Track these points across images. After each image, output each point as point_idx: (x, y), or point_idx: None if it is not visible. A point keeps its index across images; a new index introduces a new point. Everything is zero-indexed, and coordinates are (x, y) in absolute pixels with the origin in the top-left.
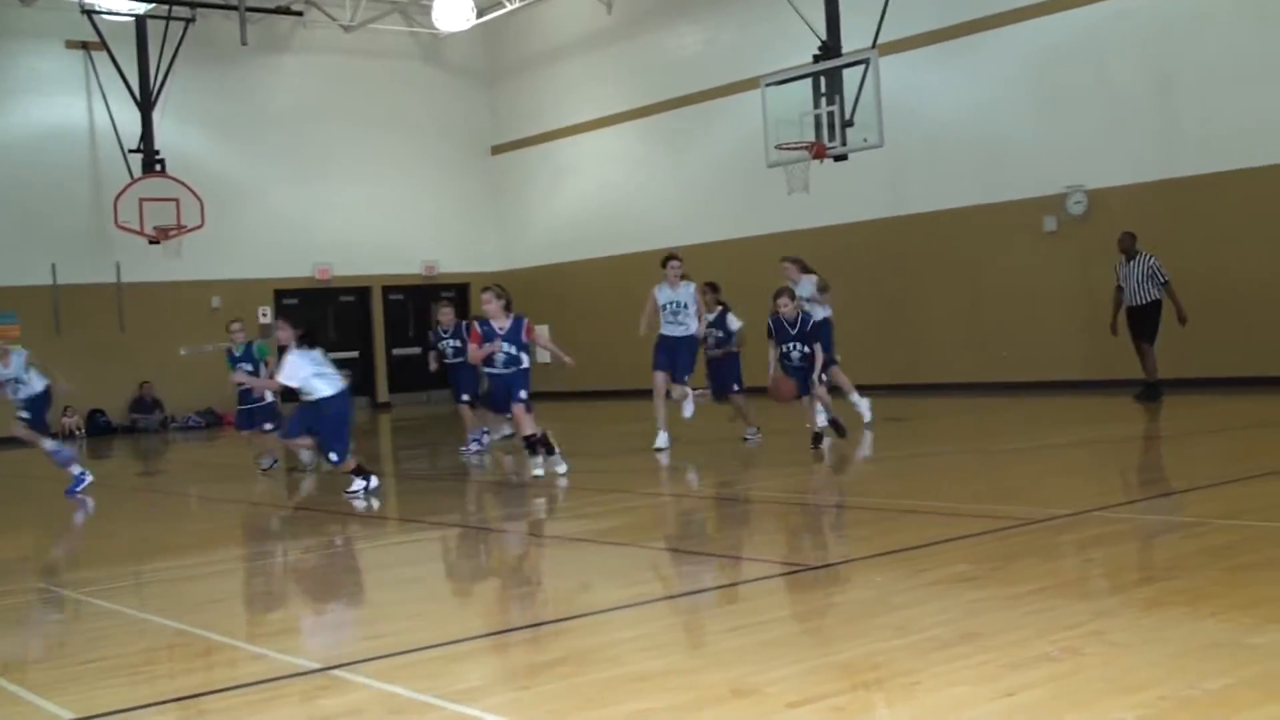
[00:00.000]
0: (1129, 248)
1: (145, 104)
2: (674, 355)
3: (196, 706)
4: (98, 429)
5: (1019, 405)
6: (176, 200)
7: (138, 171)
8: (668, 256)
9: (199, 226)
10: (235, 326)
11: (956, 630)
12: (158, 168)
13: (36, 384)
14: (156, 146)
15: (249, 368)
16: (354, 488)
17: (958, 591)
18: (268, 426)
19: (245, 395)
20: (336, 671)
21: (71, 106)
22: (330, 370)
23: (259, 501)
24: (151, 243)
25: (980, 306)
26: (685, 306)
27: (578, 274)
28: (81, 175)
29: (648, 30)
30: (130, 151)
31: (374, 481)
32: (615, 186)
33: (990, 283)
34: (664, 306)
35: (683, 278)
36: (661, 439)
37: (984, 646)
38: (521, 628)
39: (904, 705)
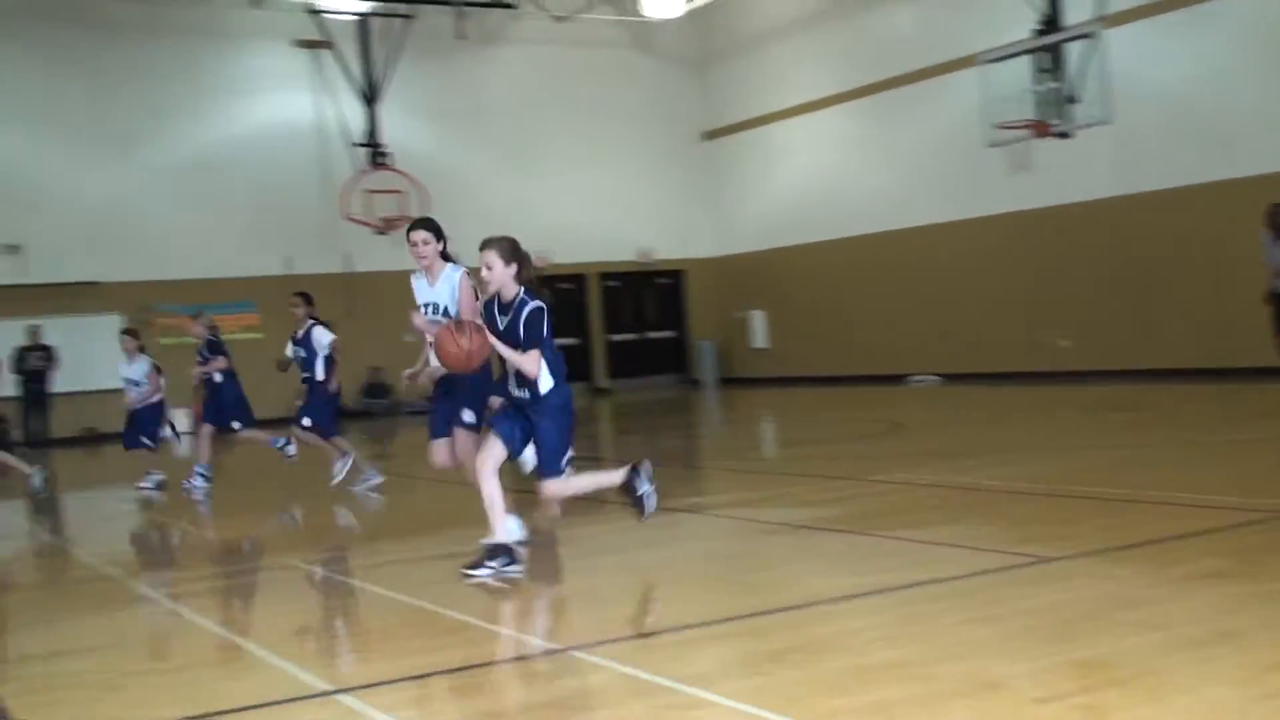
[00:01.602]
0: (1277, 222)
1: (370, 99)
2: None
3: (438, 684)
4: None
5: (1266, 393)
6: (401, 191)
7: (363, 164)
8: None
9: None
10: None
11: (1210, 628)
12: (383, 160)
13: (153, 393)
14: (381, 139)
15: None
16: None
17: (1210, 587)
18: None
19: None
20: (575, 653)
21: (300, 103)
22: None
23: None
24: (378, 233)
25: (1219, 288)
26: None
27: (793, 259)
28: (310, 170)
29: (860, 11)
30: (355, 145)
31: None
32: (829, 170)
33: (1229, 263)
34: None
35: None
36: None
37: (1241, 646)
38: (755, 614)
39: (1155, 706)
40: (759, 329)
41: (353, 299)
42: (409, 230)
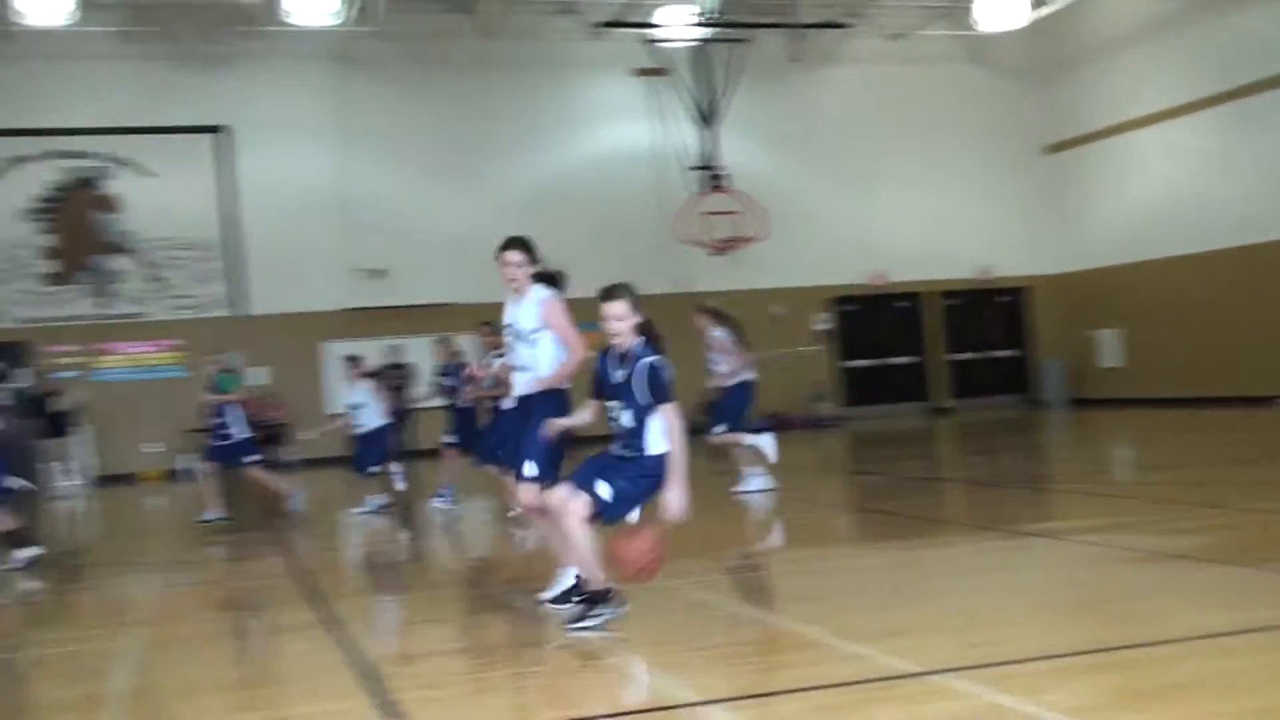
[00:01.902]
0: None
1: (706, 122)
2: None
3: (796, 702)
4: None
5: None
6: (737, 213)
7: (699, 188)
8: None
9: (760, 238)
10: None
11: None
12: (720, 183)
13: (371, 419)
14: (719, 163)
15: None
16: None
17: None
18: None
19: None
20: (935, 677)
21: (637, 130)
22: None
23: (832, 503)
24: (715, 254)
25: None
26: None
27: (1149, 273)
28: (647, 194)
29: (1215, 12)
30: (691, 169)
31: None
32: (1188, 179)
33: None
34: None
35: None
36: None
37: None
38: (1124, 647)
39: None
40: (1110, 346)
41: (689, 320)
42: (501, 249)
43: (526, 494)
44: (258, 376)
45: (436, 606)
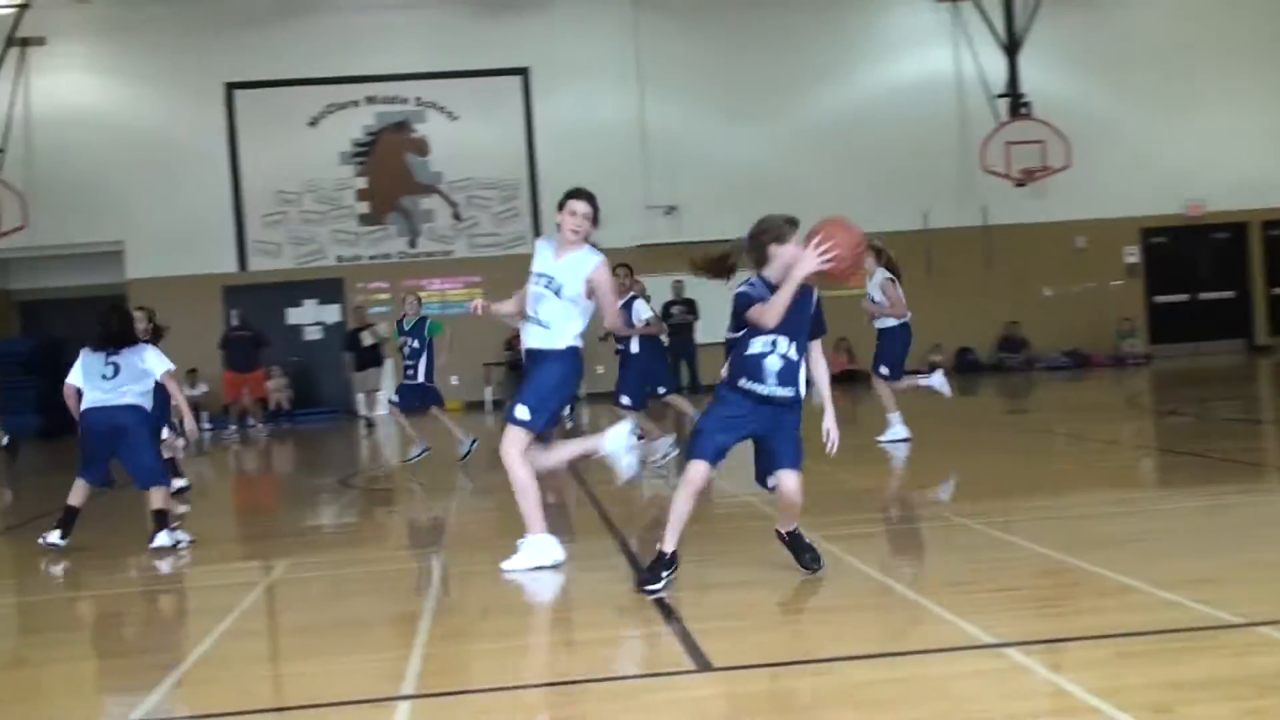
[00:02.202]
0: None
1: (1011, 49)
2: None
3: (1108, 647)
4: (966, 366)
5: None
6: (1042, 142)
7: (1003, 116)
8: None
9: (1065, 167)
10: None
11: None
12: (1023, 111)
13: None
14: (1022, 90)
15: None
16: None
17: None
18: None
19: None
20: (1263, 629)
21: (939, 58)
22: None
23: (1139, 445)
24: (1017, 185)
25: None
26: None
27: None
28: (948, 124)
29: None
30: (995, 97)
31: None
32: None
33: None
34: None
35: None
36: None
37: None
38: None
39: None
40: None
41: (989, 252)
42: (571, 197)
43: (515, 437)
44: None
45: (718, 540)
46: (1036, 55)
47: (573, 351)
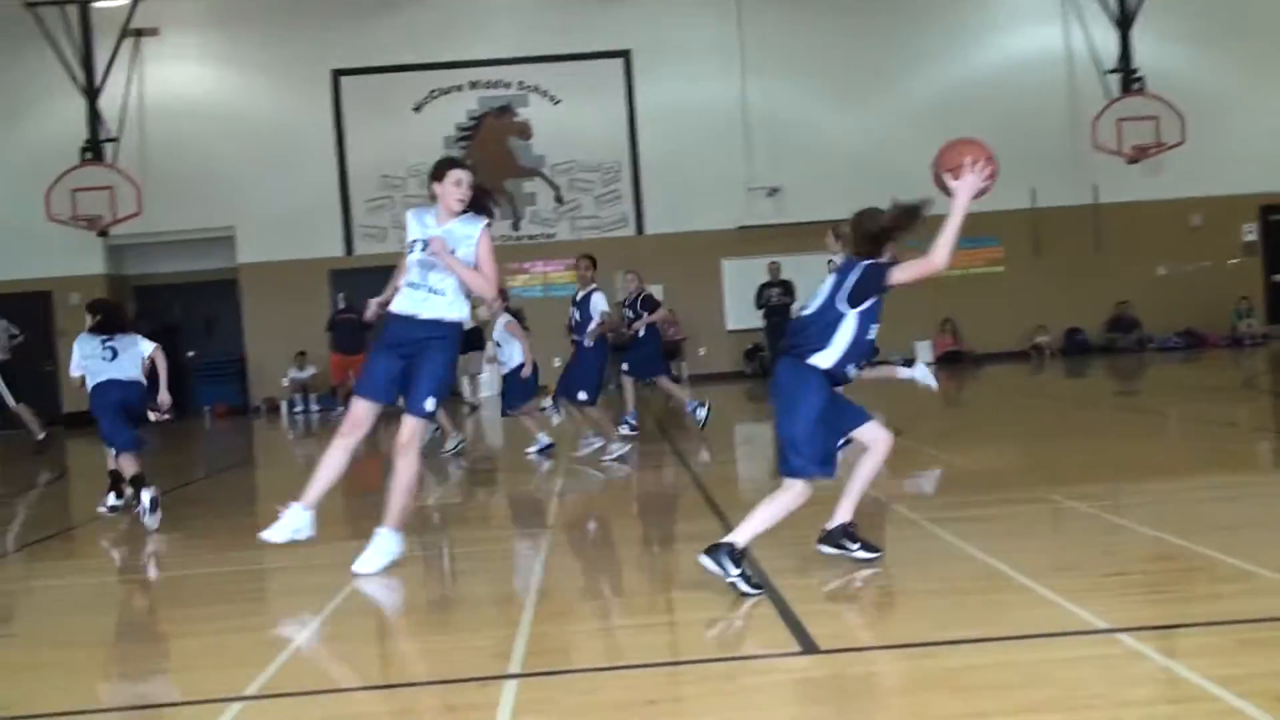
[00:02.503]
0: None
1: (1123, 24)
2: None
3: (1229, 634)
4: (1075, 348)
5: None
6: (1155, 118)
7: (1114, 93)
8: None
9: (1179, 143)
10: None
11: None
12: (1136, 86)
13: (513, 356)
14: (1134, 65)
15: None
16: None
17: None
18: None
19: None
20: None
21: (1049, 34)
22: None
23: (1259, 427)
24: (1129, 162)
25: None
26: None
27: None
28: (1057, 100)
29: None
30: (1106, 73)
31: None
32: None
33: None
34: None
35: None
36: None
37: None
38: None
39: None
40: None
41: (1100, 231)
42: (452, 167)
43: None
44: (656, 294)
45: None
46: (1150, 28)
47: (461, 326)
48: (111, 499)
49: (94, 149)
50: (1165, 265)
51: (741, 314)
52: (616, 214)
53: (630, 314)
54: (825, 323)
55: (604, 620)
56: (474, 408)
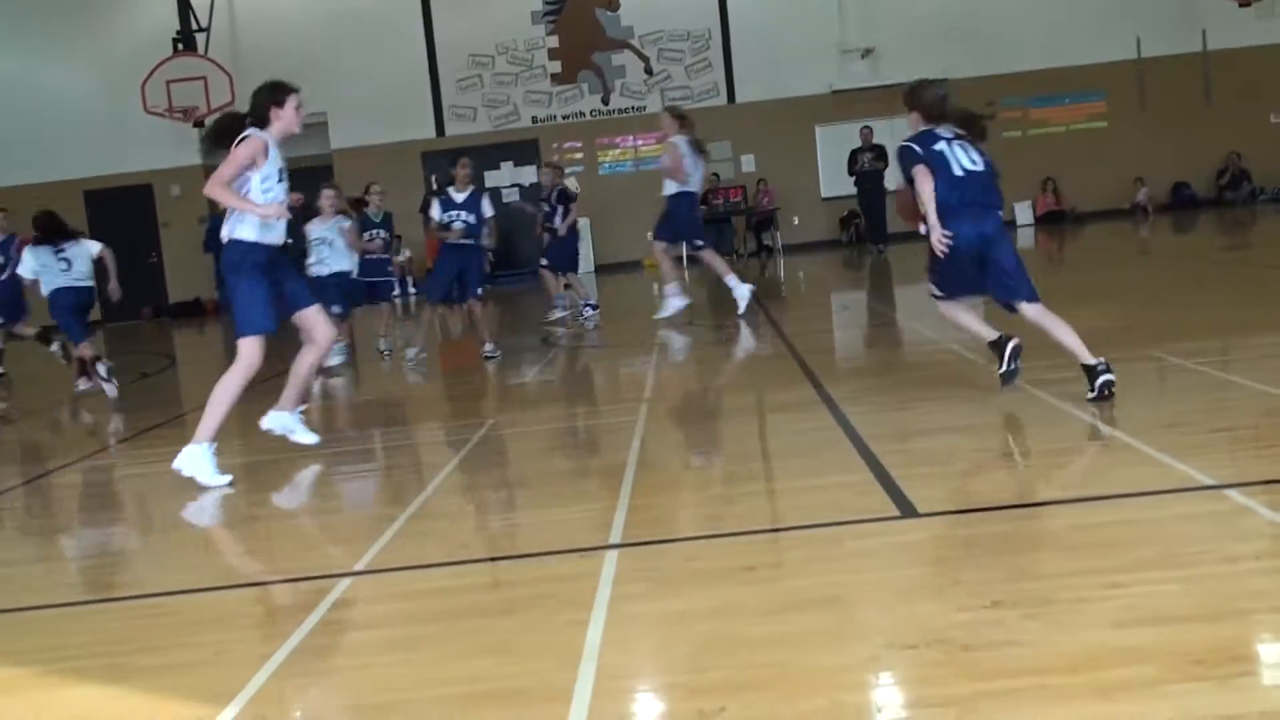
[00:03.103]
0: None
1: None
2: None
3: None
4: (1181, 201)
5: None
6: None
7: None
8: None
9: None
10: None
11: None
12: None
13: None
14: None
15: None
16: None
17: None
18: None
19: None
20: None
21: None
22: None
23: None
24: (1241, 5)
25: None
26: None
27: None
28: None
29: None
30: None
31: None
32: None
33: None
34: None
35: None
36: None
37: None
38: None
39: None
40: None
41: (1209, 80)
42: (295, 92)
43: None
44: (746, 164)
45: (917, 387)
46: None
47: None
48: (82, 382)
49: (186, 39)
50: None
51: (835, 182)
52: (707, 83)
53: (547, 208)
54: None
55: (702, 490)
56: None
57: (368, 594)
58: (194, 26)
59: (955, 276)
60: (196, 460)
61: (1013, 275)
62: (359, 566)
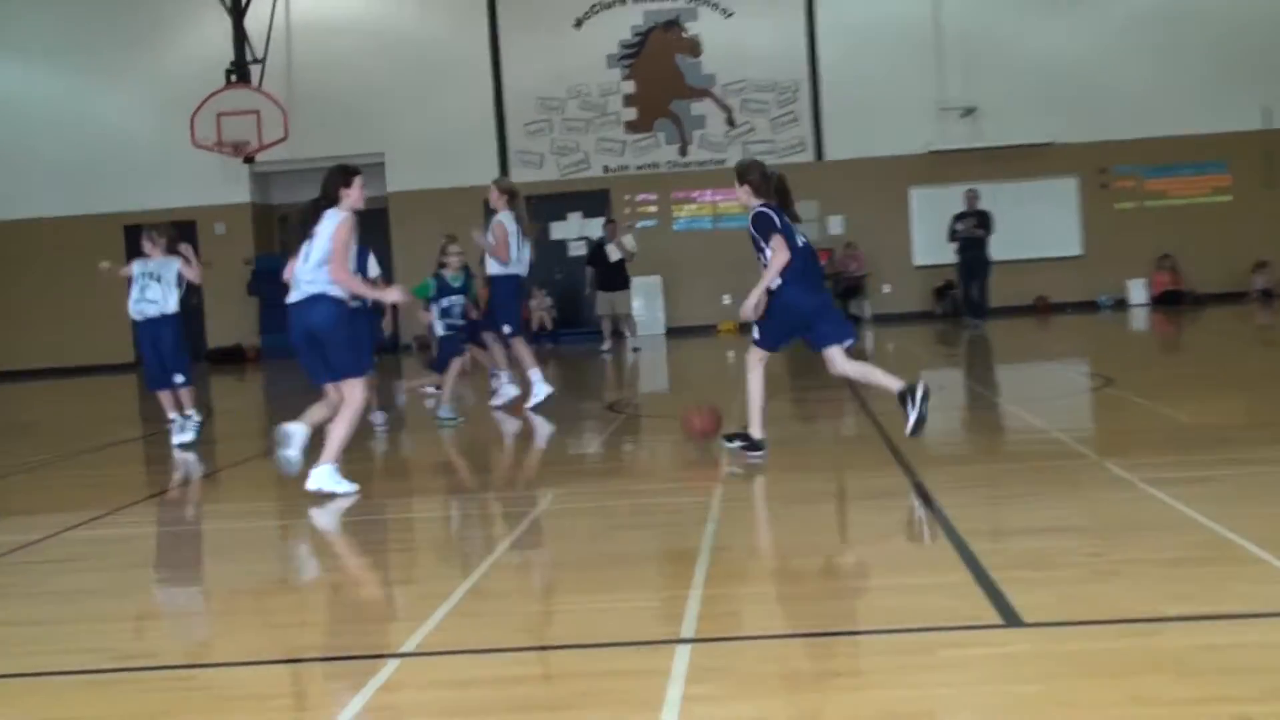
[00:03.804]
0: None
1: None
2: None
3: None
4: None
5: None
6: None
7: None
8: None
9: None
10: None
11: None
12: None
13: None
14: None
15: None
16: None
17: None
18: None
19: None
20: None
21: None
22: None
23: None
24: None
25: None
26: None
27: None
28: None
29: None
30: None
31: None
32: None
33: None
34: None
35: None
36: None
37: None
38: None
39: None
40: None
41: None
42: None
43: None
44: (834, 226)
45: (1021, 481)
46: None
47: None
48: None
49: (240, 71)
50: None
51: (931, 248)
52: (794, 137)
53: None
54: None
55: (781, 584)
56: (637, 349)
57: (416, 679)
58: (249, 58)
59: (782, 332)
60: (325, 478)
61: (836, 321)
62: (408, 648)
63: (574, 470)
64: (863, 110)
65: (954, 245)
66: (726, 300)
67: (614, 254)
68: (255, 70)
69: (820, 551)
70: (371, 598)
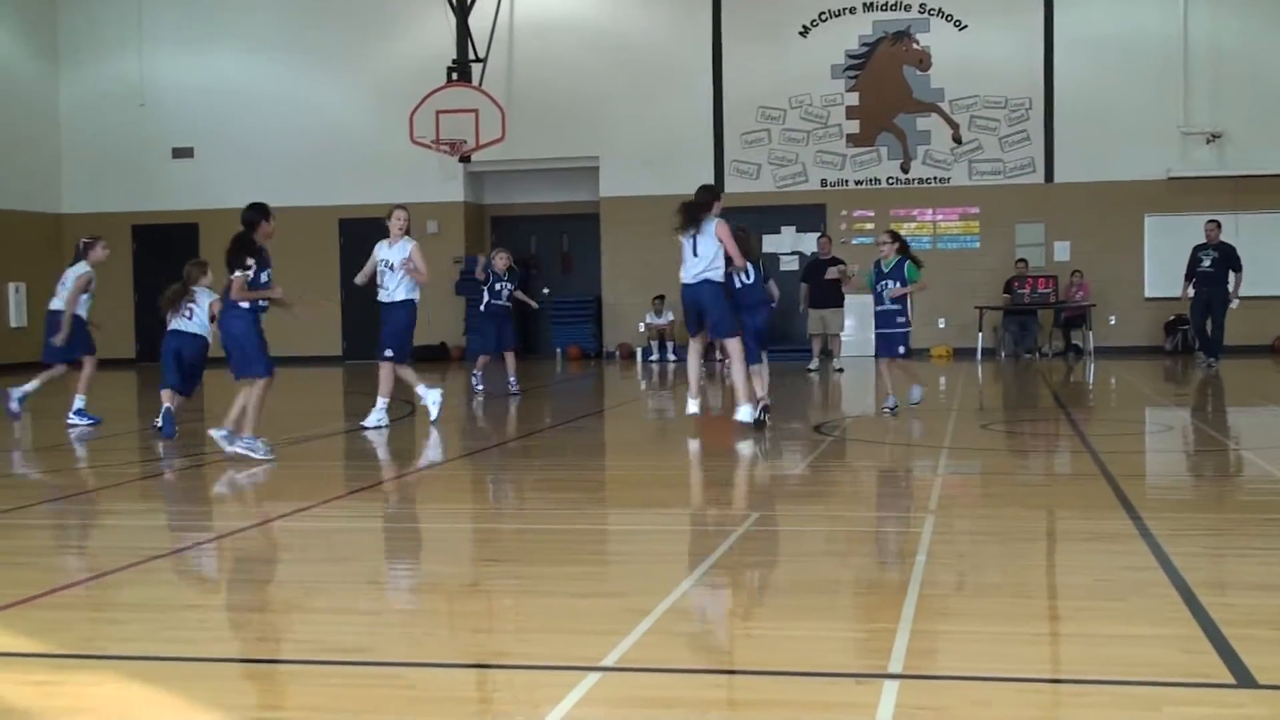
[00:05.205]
0: None
1: None
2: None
3: None
4: None
5: None
6: None
7: None
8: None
9: None
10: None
11: None
12: None
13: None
14: None
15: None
16: None
17: None
18: None
19: None
20: None
21: None
22: None
23: None
24: None
25: None
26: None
27: None
28: None
29: None
30: None
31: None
32: None
33: None
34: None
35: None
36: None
37: None
38: None
39: None
40: None
41: None
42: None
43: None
44: (1060, 251)
45: (1260, 534)
46: None
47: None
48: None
49: (461, 69)
50: None
51: (1163, 280)
52: (1023, 157)
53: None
54: None
55: (995, 623)
56: (841, 370)
57: (614, 694)
58: (470, 56)
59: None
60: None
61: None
62: (608, 662)
63: (778, 492)
64: (1098, 130)
65: (1192, 280)
66: (942, 324)
67: (833, 273)
68: (476, 69)
69: (1036, 593)
70: (575, 608)
